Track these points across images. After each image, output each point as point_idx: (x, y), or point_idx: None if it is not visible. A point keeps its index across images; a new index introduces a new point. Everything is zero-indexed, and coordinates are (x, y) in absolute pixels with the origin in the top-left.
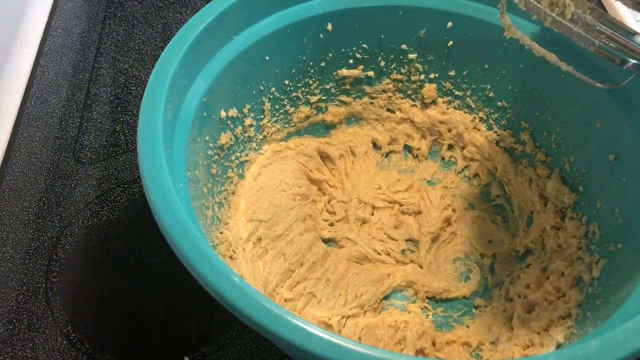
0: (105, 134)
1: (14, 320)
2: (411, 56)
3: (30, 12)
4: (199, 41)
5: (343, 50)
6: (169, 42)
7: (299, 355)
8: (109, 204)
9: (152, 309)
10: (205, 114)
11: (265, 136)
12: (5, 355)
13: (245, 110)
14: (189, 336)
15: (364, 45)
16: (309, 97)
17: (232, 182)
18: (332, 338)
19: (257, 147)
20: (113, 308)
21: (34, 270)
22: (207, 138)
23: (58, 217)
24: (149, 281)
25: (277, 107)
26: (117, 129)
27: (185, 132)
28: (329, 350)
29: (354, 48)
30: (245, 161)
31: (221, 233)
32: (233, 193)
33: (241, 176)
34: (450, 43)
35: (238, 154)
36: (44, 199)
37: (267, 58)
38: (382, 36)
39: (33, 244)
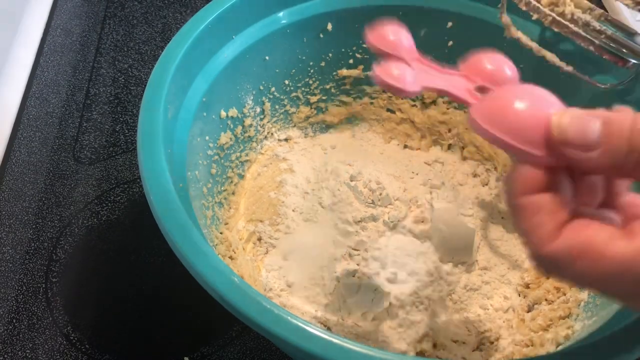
0: (105, 134)
1: (14, 321)
2: None
3: (29, 12)
4: (199, 41)
5: (343, 50)
6: (168, 41)
7: (299, 355)
8: (109, 204)
9: (152, 309)
10: (205, 114)
11: (265, 136)
12: (5, 356)
13: (245, 110)
14: (189, 336)
15: (364, 45)
16: (309, 97)
17: (232, 182)
18: (332, 339)
19: (257, 147)
20: (113, 308)
21: (33, 270)
22: (207, 138)
23: (58, 217)
24: (149, 281)
25: (277, 107)
26: (117, 129)
27: (185, 132)
28: (329, 351)
29: (354, 48)
30: (245, 161)
31: (221, 233)
32: (233, 193)
33: (241, 176)
34: (450, 43)
35: (238, 154)
36: (43, 199)
37: (267, 58)
38: None
39: (33, 244)
